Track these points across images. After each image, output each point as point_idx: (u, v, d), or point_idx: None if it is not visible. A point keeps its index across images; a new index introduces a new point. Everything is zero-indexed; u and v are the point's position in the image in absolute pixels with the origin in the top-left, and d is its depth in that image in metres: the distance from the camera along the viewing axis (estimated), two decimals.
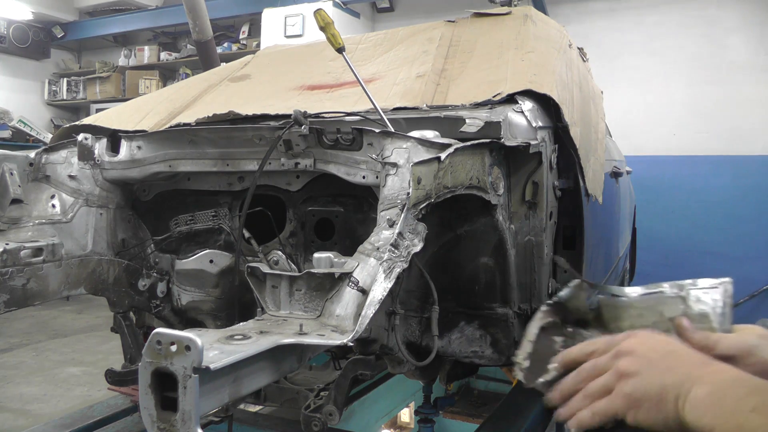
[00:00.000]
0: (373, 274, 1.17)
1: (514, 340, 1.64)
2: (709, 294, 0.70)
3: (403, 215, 1.23)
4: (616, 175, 3.01)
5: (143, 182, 1.94)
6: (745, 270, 6.20)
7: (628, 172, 3.99)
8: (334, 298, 1.19)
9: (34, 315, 5.47)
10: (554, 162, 1.75)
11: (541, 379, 0.77)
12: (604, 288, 0.82)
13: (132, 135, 1.87)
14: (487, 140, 1.53)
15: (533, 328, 0.81)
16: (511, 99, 1.67)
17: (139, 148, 1.83)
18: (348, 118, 1.72)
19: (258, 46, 6.98)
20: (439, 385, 2.86)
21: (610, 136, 4.01)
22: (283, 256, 1.75)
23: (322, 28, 1.72)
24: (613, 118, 3.99)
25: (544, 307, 0.79)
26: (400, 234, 1.22)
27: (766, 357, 0.78)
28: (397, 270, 1.19)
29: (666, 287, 0.76)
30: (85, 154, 1.85)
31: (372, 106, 1.61)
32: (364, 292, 1.16)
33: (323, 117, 1.73)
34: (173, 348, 0.82)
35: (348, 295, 1.18)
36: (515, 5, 3.47)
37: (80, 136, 1.85)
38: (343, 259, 1.27)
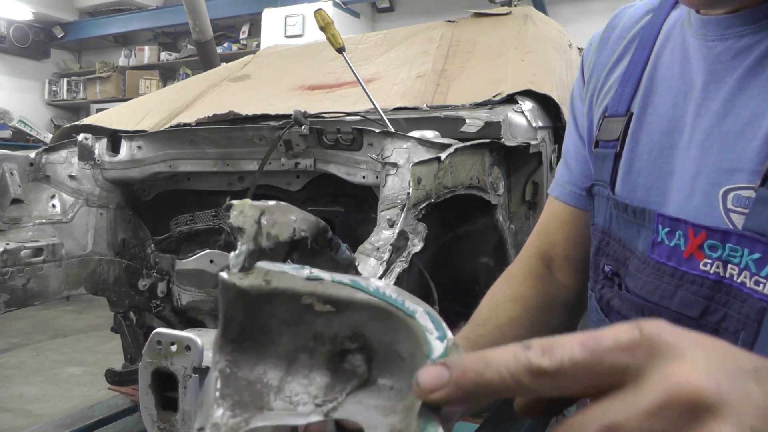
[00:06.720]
0: (373, 274, 1.17)
1: None
2: None
3: (403, 215, 1.23)
4: None
5: (143, 182, 1.95)
6: None
7: None
8: None
9: (34, 315, 5.46)
10: (554, 162, 1.75)
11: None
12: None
13: (132, 135, 1.87)
14: (487, 140, 1.53)
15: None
16: (511, 99, 1.68)
17: (139, 148, 1.83)
18: (348, 118, 1.72)
19: (258, 46, 6.96)
20: None
21: None
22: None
23: (322, 28, 1.73)
24: None
25: None
26: (400, 234, 1.22)
27: None
28: (398, 270, 1.19)
29: None
30: (86, 154, 1.85)
31: (372, 106, 1.61)
32: None
33: (323, 117, 1.73)
34: (173, 348, 0.82)
35: None
36: (515, 5, 3.47)
37: (80, 136, 1.85)
38: None
